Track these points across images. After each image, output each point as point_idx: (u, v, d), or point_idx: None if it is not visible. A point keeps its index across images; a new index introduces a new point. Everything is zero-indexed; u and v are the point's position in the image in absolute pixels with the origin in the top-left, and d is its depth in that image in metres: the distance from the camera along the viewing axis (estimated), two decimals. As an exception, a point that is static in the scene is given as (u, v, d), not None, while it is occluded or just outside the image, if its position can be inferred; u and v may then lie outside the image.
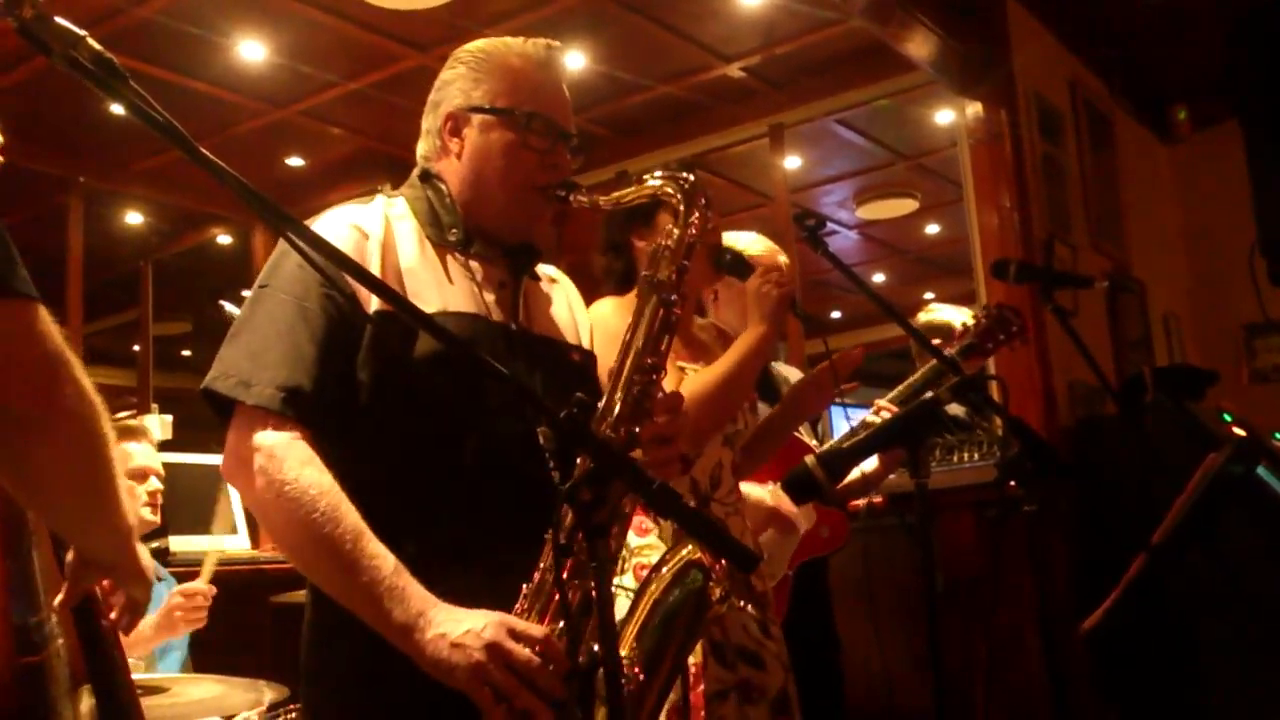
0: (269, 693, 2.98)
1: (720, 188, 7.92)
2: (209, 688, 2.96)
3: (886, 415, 3.43)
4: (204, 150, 1.22)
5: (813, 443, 3.50)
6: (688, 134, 7.05)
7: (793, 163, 7.59)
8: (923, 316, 4.66)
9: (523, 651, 1.56)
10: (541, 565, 1.70)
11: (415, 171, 2.04)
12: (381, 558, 1.64)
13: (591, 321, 2.68)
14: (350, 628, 1.68)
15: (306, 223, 1.79)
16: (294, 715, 2.98)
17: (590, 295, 2.73)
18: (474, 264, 1.93)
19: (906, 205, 8.83)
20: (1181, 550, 2.86)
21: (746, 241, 3.56)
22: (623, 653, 1.67)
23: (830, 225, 9.09)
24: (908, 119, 7.17)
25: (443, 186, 1.97)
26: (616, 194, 1.99)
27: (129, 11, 5.39)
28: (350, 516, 1.65)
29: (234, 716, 3.04)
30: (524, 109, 1.94)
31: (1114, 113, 6.13)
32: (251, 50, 5.94)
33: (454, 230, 1.93)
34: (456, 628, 1.60)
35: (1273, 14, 3.23)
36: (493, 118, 1.95)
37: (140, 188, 7.57)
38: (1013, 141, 5.02)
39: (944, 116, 6.93)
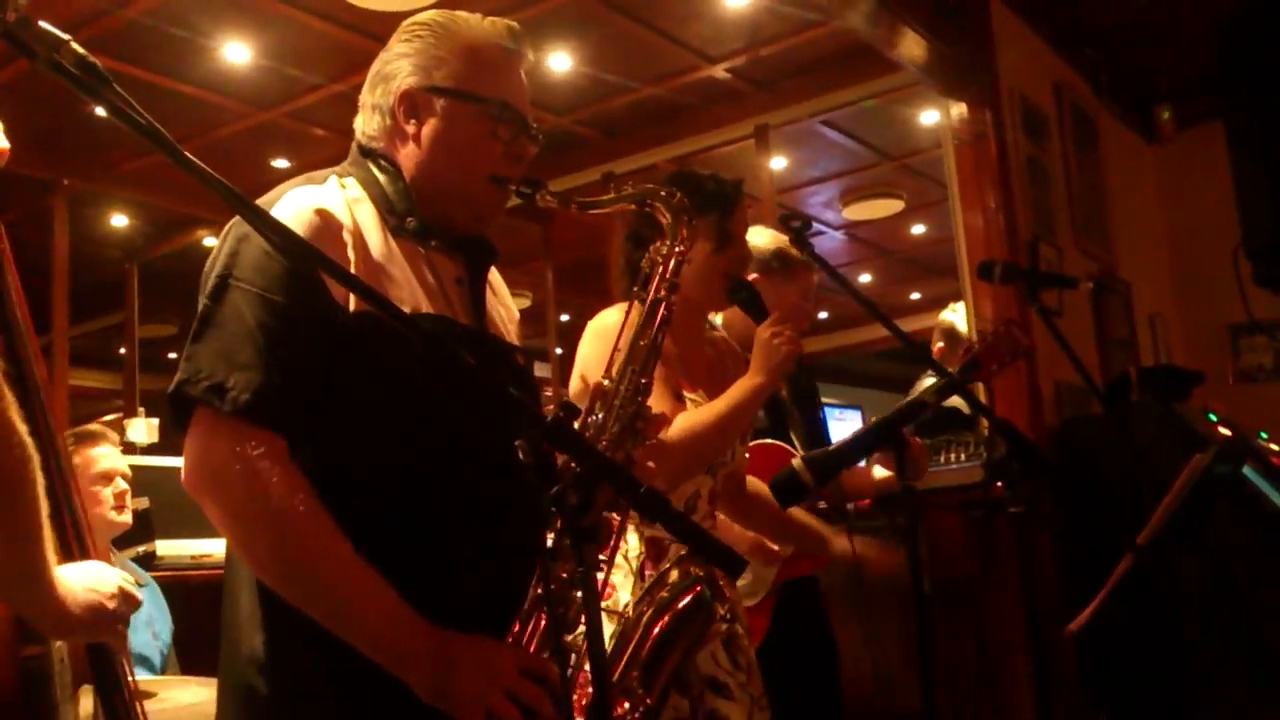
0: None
1: (707, 189, 7.92)
2: (197, 691, 2.95)
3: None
4: (188, 154, 1.21)
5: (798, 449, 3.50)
6: (673, 135, 7.07)
7: (778, 163, 7.61)
8: (942, 315, 4.74)
9: (528, 686, 1.52)
10: (539, 590, 1.64)
11: (354, 148, 1.90)
12: (374, 581, 1.57)
13: (589, 329, 2.66)
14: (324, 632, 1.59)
15: (259, 201, 1.69)
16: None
17: (582, 295, 2.73)
18: (434, 258, 1.82)
19: (892, 206, 8.86)
20: (1168, 550, 2.87)
21: (765, 239, 3.52)
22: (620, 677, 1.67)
23: (816, 226, 9.10)
24: (893, 120, 7.20)
25: (393, 170, 1.84)
26: (590, 200, 1.92)
27: (114, 13, 5.38)
28: (341, 539, 1.57)
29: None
30: (494, 98, 1.82)
31: (1098, 113, 6.14)
32: (236, 52, 5.93)
33: (410, 219, 1.80)
34: (458, 656, 1.56)
35: (1257, 15, 3.25)
36: (459, 102, 1.81)
37: (126, 190, 7.56)
38: (997, 142, 5.03)
39: (929, 117, 6.95)
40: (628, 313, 1.90)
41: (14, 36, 1.18)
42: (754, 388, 2.48)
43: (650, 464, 1.81)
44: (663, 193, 1.92)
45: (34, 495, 1.32)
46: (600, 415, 1.78)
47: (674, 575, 1.82)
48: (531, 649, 1.62)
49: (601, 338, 2.58)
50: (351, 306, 1.66)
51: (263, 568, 1.64)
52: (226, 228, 1.76)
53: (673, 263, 1.90)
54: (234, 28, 5.73)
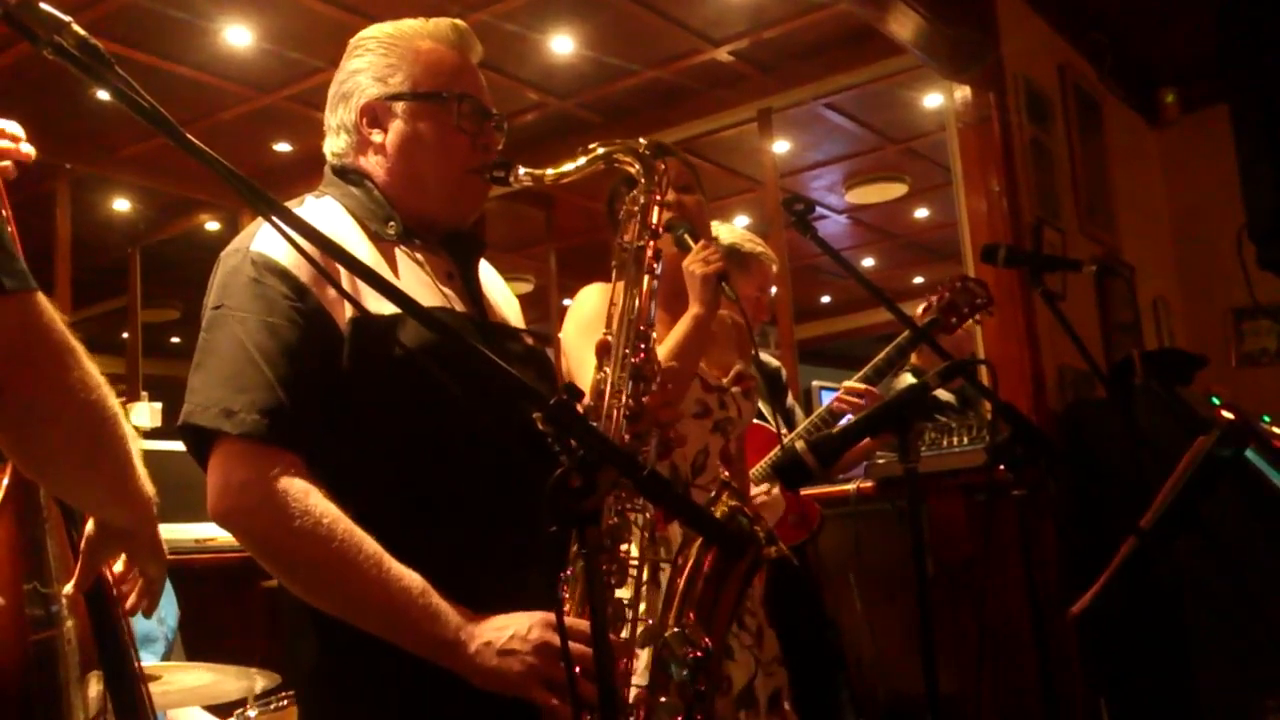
0: (260, 679, 2.98)
1: (709, 173, 7.91)
2: (200, 675, 2.96)
3: (852, 397, 3.48)
4: (190, 136, 1.21)
5: (783, 430, 3.52)
6: (676, 118, 7.05)
7: (781, 147, 7.59)
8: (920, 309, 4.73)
9: (574, 646, 1.50)
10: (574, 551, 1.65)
11: (328, 170, 1.92)
12: (409, 578, 1.59)
13: (571, 308, 2.69)
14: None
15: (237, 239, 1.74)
16: (285, 703, 2.98)
17: (585, 279, 2.73)
18: (420, 256, 1.84)
19: (896, 189, 8.83)
20: (1170, 534, 2.87)
21: (720, 235, 3.58)
22: (677, 628, 1.67)
23: (819, 210, 9.09)
24: (897, 103, 7.18)
25: (368, 183, 1.86)
26: (560, 167, 1.92)
27: (115, -4, 5.37)
28: (368, 540, 1.58)
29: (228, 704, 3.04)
30: (453, 92, 1.85)
31: (1103, 97, 6.13)
32: (238, 35, 5.92)
33: (391, 224, 1.82)
34: (501, 634, 1.57)
35: (1261, -2, 3.23)
36: (420, 104, 1.85)
37: (127, 174, 7.55)
38: (1001, 125, 5.02)
39: (933, 100, 6.93)
40: (617, 267, 1.91)
41: (15, 19, 1.18)
42: (692, 317, 2.51)
43: (666, 405, 1.82)
44: (628, 145, 1.94)
45: (122, 432, 1.40)
46: (608, 370, 1.80)
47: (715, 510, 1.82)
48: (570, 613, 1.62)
49: (575, 315, 2.62)
50: (347, 313, 1.67)
51: (298, 587, 1.66)
52: (216, 262, 1.77)
53: (652, 210, 1.92)
54: (235, 10, 5.71)
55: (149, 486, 1.53)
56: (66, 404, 1.30)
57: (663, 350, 2.51)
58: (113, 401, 1.37)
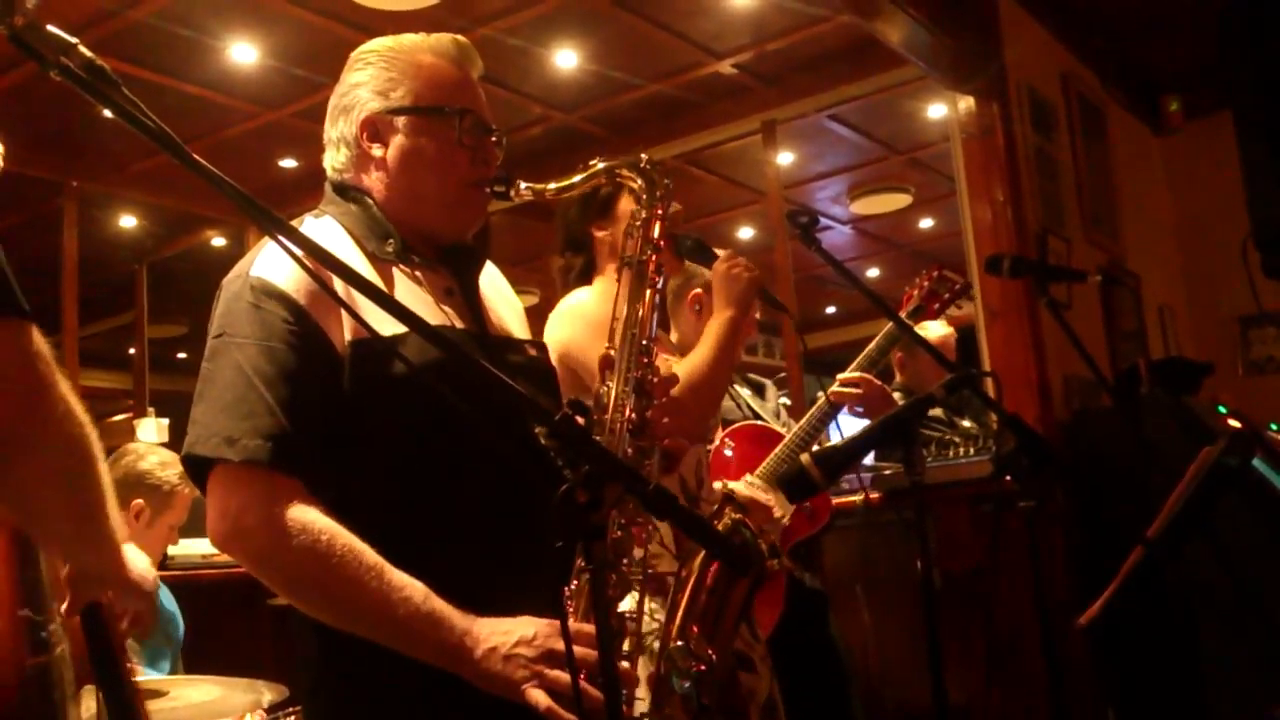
0: (268, 693, 2.98)
1: (713, 185, 7.93)
2: (208, 690, 2.96)
3: (850, 388, 3.50)
4: (196, 155, 1.21)
5: (780, 429, 3.53)
6: (680, 131, 7.05)
7: (785, 159, 7.59)
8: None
9: (580, 651, 1.50)
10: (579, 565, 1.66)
11: (328, 187, 1.92)
12: (411, 586, 1.59)
13: (566, 313, 2.69)
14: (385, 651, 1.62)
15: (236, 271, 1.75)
16: (294, 718, 2.98)
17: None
18: (419, 274, 1.84)
19: (900, 200, 8.83)
20: (1178, 543, 2.86)
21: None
22: (680, 641, 1.67)
23: (824, 221, 9.09)
24: (900, 113, 7.18)
25: (367, 200, 1.86)
26: (562, 182, 1.94)
27: (121, 14, 5.39)
28: (368, 552, 1.59)
29: (234, 718, 3.04)
30: (454, 107, 1.86)
31: (1106, 105, 6.12)
32: (243, 53, 5.94)
33: (390, 241, 1.82)
34: (506, 639, 1.57)
35: (1261, 4, 3.23)
36: (422, 118, 1.85)
37: (134, 191, 7.57)
38: (1005, 135, 5.02)
39: (936, 110, 6.93)
40: (619, 278, 1.92)
41: (22, 41, 1.18)
42: (727, 321, 2.52)
43: (666, 420, 1.82)
44: (630, 160, 1.96)
45: (99, 471, 1.39)
46: (611, 384, 1.80)
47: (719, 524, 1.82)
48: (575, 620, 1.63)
49: (579, 319, 2.61)
50: (347, 335, 1.68)
51: (301, 603, 1.67)
52: (219, 289, 1.78)
53: (655, 225, 1.94)
54: (240, 28, 5.73)
55: (121, 529, 1.52)
56: (49, 436, 1.29)
57: (697, 356, 2.52)
58: (95, 443, 1.36)
